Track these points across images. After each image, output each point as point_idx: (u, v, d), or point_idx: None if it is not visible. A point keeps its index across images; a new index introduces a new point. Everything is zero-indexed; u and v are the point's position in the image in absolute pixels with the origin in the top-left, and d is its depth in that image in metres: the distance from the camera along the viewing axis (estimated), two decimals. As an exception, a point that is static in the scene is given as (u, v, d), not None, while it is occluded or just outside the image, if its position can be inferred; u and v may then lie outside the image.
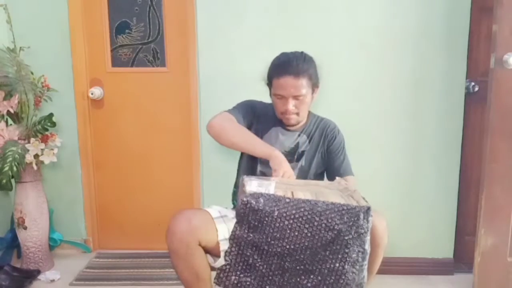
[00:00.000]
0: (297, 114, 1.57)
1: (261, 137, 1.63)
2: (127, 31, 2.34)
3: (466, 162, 2.18)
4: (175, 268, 1.41)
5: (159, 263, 2.31)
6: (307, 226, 1.22)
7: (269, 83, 1.60)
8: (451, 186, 2.18)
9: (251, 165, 1.66)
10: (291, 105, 1.54)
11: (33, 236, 2.16)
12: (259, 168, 1.64)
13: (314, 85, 1.58)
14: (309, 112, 1.69)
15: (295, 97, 1.53)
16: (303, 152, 1.65)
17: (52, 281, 2.14)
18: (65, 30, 2.28)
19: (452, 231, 2.22)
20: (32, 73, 2.11)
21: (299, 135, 1.66)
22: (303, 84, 1.52)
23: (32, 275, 2.13)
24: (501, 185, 1.85)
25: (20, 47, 2.11)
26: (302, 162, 1.65)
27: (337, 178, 1.53)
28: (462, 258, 2.23)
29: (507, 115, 1.81)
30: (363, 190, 1.43)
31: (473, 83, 2.12)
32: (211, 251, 1.42)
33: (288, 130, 1.65)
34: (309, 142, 1.66)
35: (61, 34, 2.28)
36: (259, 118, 1.66)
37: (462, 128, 2.15)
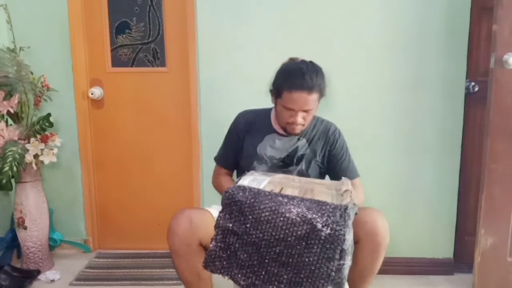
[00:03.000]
0: (303, 125, 1.57)
1: (256, 148, 1.63)
2: (127, 31, 2.34)
3: (466, 162, 2.18)
4: (176, 268, 1.42)
5: (159, 263, 2.31)
6: (281, 219, 1.25)
7: (276, 92, 1.55)
8: (451, 186, 2.18)
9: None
10: (299, 117, 1.52)
11: (33, 236, 2.16)
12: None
13: (322, 96, 1.56)
14: None
15: (305, 110, 1.52)
16: (302, 155, 1.63)
17: (52, 281, 2.14)
18: (65, 30, 2.28)
19: (452, 231, 2.22)
20: (32, 73, 2.11)
21: (298, 139, 1.64)
22: (315, 99, 1.51)
23: (32, 275, 2.13)
24: (501, 185, 1.85)
25: (20, 47, 2.11)
26: (302, 165, 1.63)
27: (343, 177, 1.53)
28: (462, 258, 2.23)
29: (507, 115, 1.81)
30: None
31: (473, 83, 2.12)
32: None
33: (285, 135, 1.63)
34: (309, 145, 1.64)
35: (61, 34, 2.28)
36: (249, 132, 1.66)
37: (462, 128, 2.14)
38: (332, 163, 1.66)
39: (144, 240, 2.46)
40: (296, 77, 1.48)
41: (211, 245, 1.31)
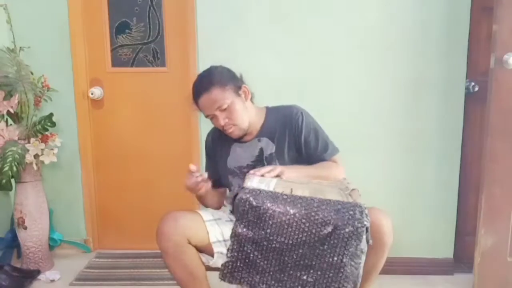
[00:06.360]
0: (235, 124, 1.53)
1: (226, 163, 1.62)
2: (127, 31, 2.34)
3: (466, 162, 2.18)
4: (168, 268, 1.43)
5: (159, 263, 2.31)
6: (303, 221, 1.25)
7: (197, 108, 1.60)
8: (451, 186, 2.18)
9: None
10: (221, 119, 1.51)
11: (33, 236, 2.16)
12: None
13: (235, 89, 1.54)
14: (266, 109, 1.65)
15: (221, 110, 1.51)
16: (271, 154, 1.56)
17: (52, 281, 2.14)
18: (65, 30, 2.28)
19: (452, 231, 2.22)
20: (32, 73, 2.12)
21: (259, 141, 1.59)
22: (218, 94, 1.49)
23: (32, 275, 2.13)
24: (501, 185, 1.85)
25: (20, 47, 2.11)
26: (276, 164, 1.54)
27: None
28: (462, 258, 2.23)
29: (507, 115, 1.80)
30: (363, 190, 1.43)
31: (473, 83, 2.12)
32: (205, 250, 1.44)
33: (245, 141, 1.60)
34: (273, 142, 1.57)
35: (61, 34, 2.28)
36: (217, 149, 1.66)
37: (462, 128, 2.14)
38: (305, 148, 1.56)
39: (144, 240, 2.44)
40: (193, 88, 1.56)
41: (227, 257, 1.31)
